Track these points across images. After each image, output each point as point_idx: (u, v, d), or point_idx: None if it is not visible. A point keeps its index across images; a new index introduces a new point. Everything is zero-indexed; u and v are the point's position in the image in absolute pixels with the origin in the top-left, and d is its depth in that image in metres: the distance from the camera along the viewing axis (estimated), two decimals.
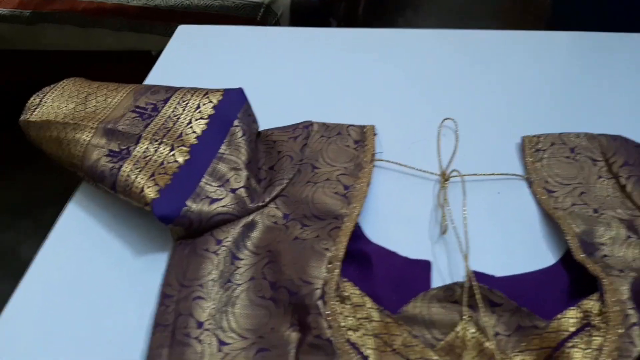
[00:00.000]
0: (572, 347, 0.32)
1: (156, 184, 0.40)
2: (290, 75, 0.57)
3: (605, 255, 0.37)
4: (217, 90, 0.46)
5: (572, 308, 0.34)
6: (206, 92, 0.46)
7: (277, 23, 1.00)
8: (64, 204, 0.45)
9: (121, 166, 0.41)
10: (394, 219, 0.43)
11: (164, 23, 1.04)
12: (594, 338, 0.32)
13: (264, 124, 0.48)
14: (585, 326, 0.33)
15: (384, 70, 0.58)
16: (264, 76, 0.57)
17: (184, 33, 0.64)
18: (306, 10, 0.97)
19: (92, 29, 1.07)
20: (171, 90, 0.47)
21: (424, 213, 0.43)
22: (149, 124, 0.44)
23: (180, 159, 0.42)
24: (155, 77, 0.58)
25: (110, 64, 1.14)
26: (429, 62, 0.58)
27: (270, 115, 0.49)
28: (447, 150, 0.48)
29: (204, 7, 1.00)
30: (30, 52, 1.17)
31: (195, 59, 0.60)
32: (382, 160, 0.47)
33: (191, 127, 0.44)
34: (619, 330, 0.32)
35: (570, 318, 0.33)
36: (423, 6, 1.77)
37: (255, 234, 0.40)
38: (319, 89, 0.56)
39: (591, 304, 0.34)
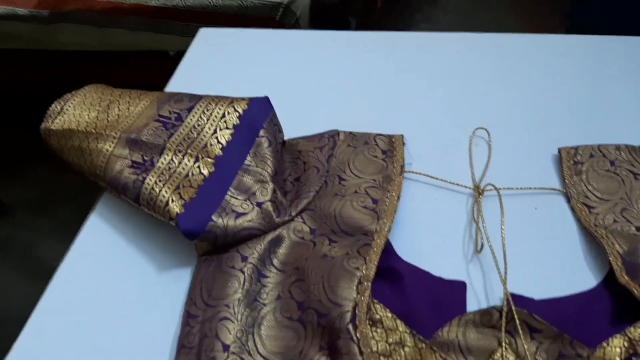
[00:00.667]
0: None
1: (181, 198, 0.39)
2: (313, 80, 0.56)
3: None
4: (243, 99, 0.45)
5: (617, 335, 0.32)
6: (231, 101, 0.45)
7: (296, 23, 0.98)
8: (81, 202, 0.44)
9: (145, 178, 0.40)
10: (426, 235, 0.41)
11: (182, 23, 1.03)
12: None
13: (287, 131, 0.47)
14: (632, 355, 0.31)
15: (409, 76, 0.56)
16: (286, 81, 0.56)
17: (205, 36, 0.63)
18: (325, 9, 0.95)
19: (109, 28, 1.06)
20: (195, 99, 0.45)
21: (457, 229, 0.41)
22: (172, 133, 0.43)
23: (205, 171, 0.41)
24: (178, 81, 0.57)
25: (127, 63, 1.14)
26: (457, 67, 0.56)
27: (293, 122, 0.47)
28: (479, 162, 0.46)
29: (223, 7, 0.99)
30: (48, 52, 1.17)
31: (217, 63, 0.59)
32: (411, 172, 0.45)
33: (216, 137, 0.42)
34: None
35: (616, 347, 0.32)
36: (441, 0, 1.74)
37: (281, 250, 0.39)
38: (342, 94, 0.54)
39: (638, 332, 0.32)
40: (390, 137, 0.47)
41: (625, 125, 0.48)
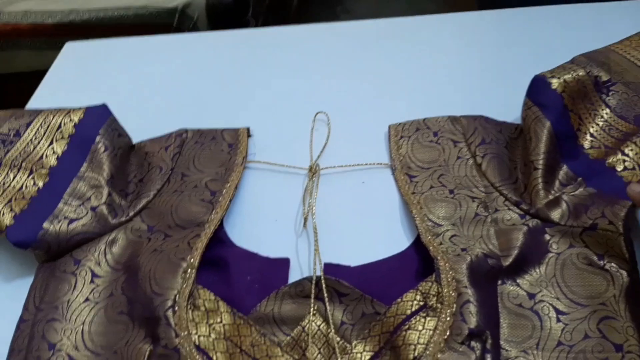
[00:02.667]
0: (408, 329, 0.33)
1: (12, 210, 0.40)
2: (173, 82, 0.57)
3: (454, 235, 0.38)
4: (80, 108, 0.46)
5: (411, 291, 0.35)
6: (68, 111, 0.46)
7: (194, 27, 0.99)
8: None
9: None
10: (261, 219, 0.43)
11: (84, 38, 1.02)
12: (429, 319, 0.33)
13: (147, 135, 0.48)
14: (422, 308, 0.34)
15: (258, 70, 0.58)
16: (149, 86, 0.57)
17: (72, 50, 0.64)
18: (221, 11, 0.96)
19: (9, 51, 1.05)
20: (35, 113, 0.46)
21: (291, 210, 0.44)
22: (9, 150, 0.44)
23: (40, 183, 0.42)
24: (40, 97, 0.58)
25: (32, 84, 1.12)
26: (303, 58, 0.58)
27: (153, 126, 0.49)
28: (320, 145, 0.48)
29: (119, 18, 0.99)
30: None
31: (82, 76, 0.60)
32: (253, 161, 0.47)
33: (52, 148, 0.44)
34: (452, 309, 0.33)
35: (408, 301, 0.34)
36: None
37: (116, 250, 0.40)
38: (199, 93, 0.56)
39: (429, 285, 0.35)
40: (236, 130, 0.49)
41: (457, 98, 0.51)
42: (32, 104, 0.57)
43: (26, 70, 1.11)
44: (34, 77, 1.11)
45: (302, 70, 0.57)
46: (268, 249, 0.40)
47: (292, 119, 0.51)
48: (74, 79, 0.60)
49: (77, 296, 0.38)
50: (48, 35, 1.04)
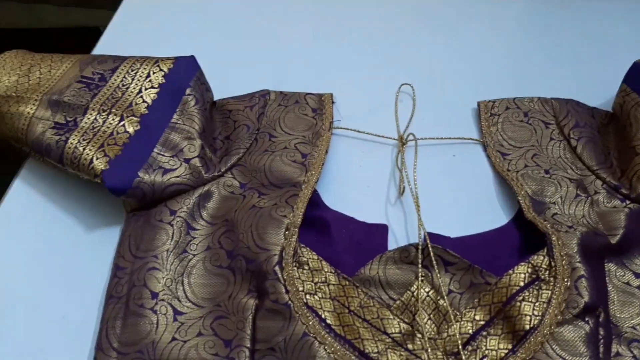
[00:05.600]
0: (522, 300, 0.33)
1: (106, 155, 0.38)
2: (245, 42, 0.56)
3: (555, 214, 0.38)
4: (168, 58, 0.45)
5: (522, 264, 0.35)
6: (156, 61, 0.44)
7: None
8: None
9: (68, 138, 0.39)
10: (353, 185, 0.43)
11: None
12: (543, 291, 0.33)
13: (219, 94, 0.47)
14: (534, 280, 0.34)
15: (340, 37, 0.57)
16: (218, 45, 0.55)
17: (131, 4, 0.61)
18: None
19: (35, 4, 1.01)
20: (119, 60, 0.45)
21: (383, 178, 0.43)
22: (96, 94, 0.42)
23: (131, 129, 0.40)
24: (101, 51, 0.55)
25: (56, 41, 1.09)
26: (386, 27, 0.58)
27: (225, 84, 0.48)
28: (406, 116, 0.48)
29: None
30: None
31: (144, 30, 0.58)
32: (340, 127, 0.46)
33: (141, 96, 0.42)
34: (567, 283, 0.33)
35: (520, 273, 0.34)
36: None
37: (211, 204, 0.39)
38: (276, 57, 0.54)
39: (540, 259, 0.35)
40: (320, 95, 0.48)
41: (542, 78, 0.51)
42: None
43: (49, 26, 1.07)
44: (60, 35, 1.08)
45: (381, 40, 0.56)
46: (361, 215, 0.40)
47: (374, 89, 0.50)
48: (136, 33, 0.58)
49: (175, 247, 0.37)
50: None
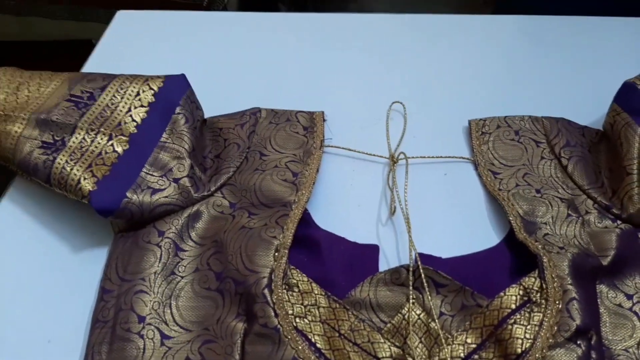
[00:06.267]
0: (514, 323, 0.33)
1: (94, 175, 0.38)
2: (237, 61, 0.56)
3: (547, 234, 0.38)
4: (158, 76, 0.44)
5: (513, 286, 0.35)
6: (146, 79, 0.44)
7: (224, 9, 0.97)
8: None
9: (55, 158, 0.39)
10: (344, 204, 0.42)
11: (106, 9, 0.99)
12: (534, 314, 0.33)
13: (210, 112, 0.47)
14: (526, 303, 0.34)
15: (332, 55, 0.57)
16: (210, 62, 0.55)
17: (124, 19, 0.61)
18: None
19: (27, 17, 1.01)
20: (109, 78, 0.45)
21: (374, 197, 0.43)
22: (84, 113, 0.42)
23: (120, 149, 0.40)
24: (93, 66, 0.55)
25: (48, 54, 1.08)
26: (378, 46, 0.58)
27: (216, 102, 0.47)
28: (397, 134, 0.48)
29: None
30: None
31: (136, 46, 0.58)
32: (331, 146, 0.46)
33: (130, 115, 0.42)
34: (558, 306, 0.33)
35: (511, 295, 0.34)
36: None
37: (200, 224, 0.39)
38: (267, 74, 0.54)
39: (532, 280, 0.34)
40: (311, 113, 0.48)
41: (532, 97, 0.52)
42: (86, 71, 0.54)
43: (41, 39, 1.07)
44: (53, 47, 1.07)
45: (372, 58, 0.56)
46: (352, 235, 0.40)
47: (366, 107, 0.50)
48: (127, 48, 0.57)
49: (162, 269, 0.36)
50: (68, 3, 1.00)
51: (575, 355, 0.32)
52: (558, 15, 0.62)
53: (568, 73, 0.54)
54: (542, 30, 0.60)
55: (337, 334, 0.33)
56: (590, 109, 0.49)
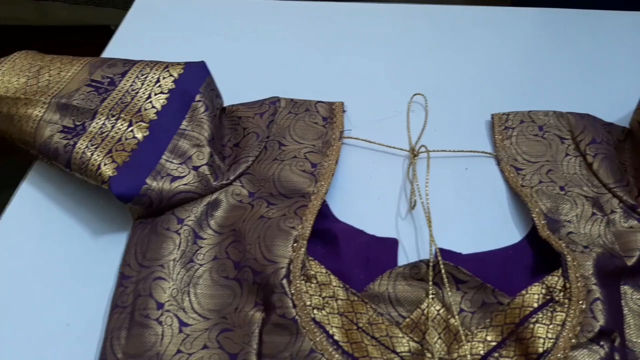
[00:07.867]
0: (536, 322, 0.32)
1: (114, 161, 0.38)
2: (257, 49, 0.55)
3: (570, 232, 0.37)
4: (178, 63, 0.44)
5: (536, 284, 0.34)
6: (166, 66, 0.44)
7: None
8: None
9: (76, 143, 0.39)
10: (363, 196, 0.42)
11: None
12: (557, 313, 0.32)
13: (229, 100, 0.47)
14: (548, 302, 0.33)
15: (353, 46, 0.56)
16: (229, 50, 0.55)
17: (144, 4, 0.61)
18: None
19: (45, 2, 1.01)
20: (129, 64, 0.44)
21: (393, 190, 0.42)
22: (105, 98, 0.42)
23: (140, 135, 0.40)
24: (113, 51, 0.55)
25: (65, 39, 1.09)
26: (399, 37, 0.57)
27: (236, 90, 0.47)
28: (417, 127, 0.47)
29: None
30: None
31: (156, 31, 0.58)
32: (350, 137, 0.46)
33: (150, 102, 0.42)
34: (582, 306, 0.32)
35: (534, 294, 0.34)
36: None
37: (219, 213, 0.39)
38: (287, 63, 0.54)
39: (555, 279, 0.34)
40: (330, 104, 0.47)
41: (557, 92, 0.50)
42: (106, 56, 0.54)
43: (59, 24, 1.07)
44: (70, 32, 1.08)
45: (393, 49, 0.55)
46: (371, 228, 0.39)
47: (386, 99, 0.50)
48: (147, 34, 0.57)
49: (181, 256, 0.36)
50: None
51: (598, 356, 0.31)
52: (580, 9, 0.60)
53: (591, 68, 0.53)
54: (563, 23, 0.59)
55: (355, 327, 0.33)
56: (615, 105, 0.47)
